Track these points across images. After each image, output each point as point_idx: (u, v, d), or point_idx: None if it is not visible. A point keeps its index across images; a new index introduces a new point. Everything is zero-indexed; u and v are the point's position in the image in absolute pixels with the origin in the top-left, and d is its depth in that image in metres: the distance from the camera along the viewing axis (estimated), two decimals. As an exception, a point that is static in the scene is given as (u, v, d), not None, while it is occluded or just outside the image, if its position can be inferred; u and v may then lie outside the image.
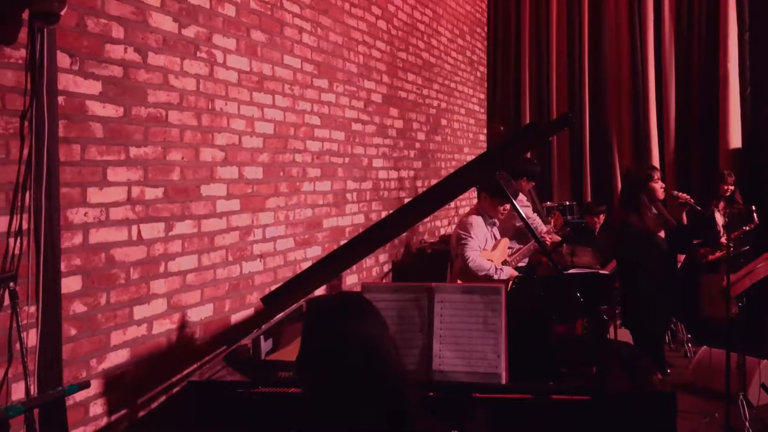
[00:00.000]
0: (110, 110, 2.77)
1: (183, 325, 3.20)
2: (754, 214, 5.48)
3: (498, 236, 4.41)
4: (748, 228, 5.46)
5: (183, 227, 3.18)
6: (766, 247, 4.85)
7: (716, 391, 4.57)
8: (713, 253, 5.62)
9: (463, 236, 4.13)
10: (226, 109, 3.46)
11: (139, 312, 2.95)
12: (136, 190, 2.91)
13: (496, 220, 4.35)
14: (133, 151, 2.89)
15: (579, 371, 2.41)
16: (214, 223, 3.39)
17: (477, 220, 4.21)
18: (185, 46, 3.18)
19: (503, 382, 2.21)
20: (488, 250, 4.23)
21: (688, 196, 4.62)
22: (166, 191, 3.08)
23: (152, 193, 3.00)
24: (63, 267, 2.55)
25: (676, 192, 4.68)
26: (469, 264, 4.03)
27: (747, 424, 3.94)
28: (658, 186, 4.28)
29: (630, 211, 4.15)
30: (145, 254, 2.97)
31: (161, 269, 3.06)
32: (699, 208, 4.75)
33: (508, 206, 4.26)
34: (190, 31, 3.21)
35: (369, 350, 1.37)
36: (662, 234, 4.49)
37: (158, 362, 3.04)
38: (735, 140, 6.70)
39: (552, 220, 4.71)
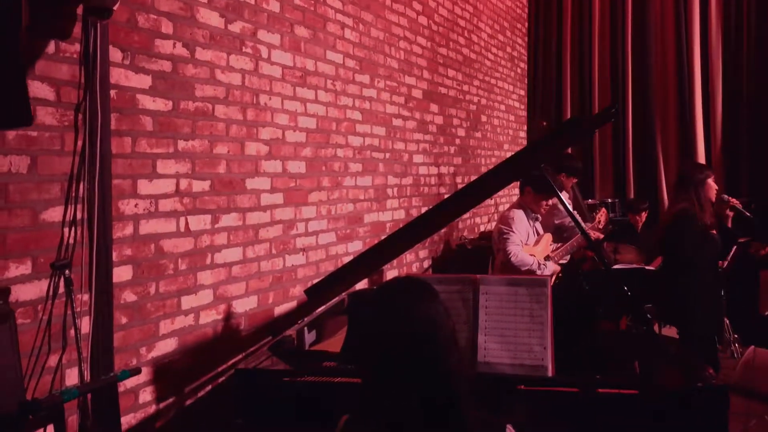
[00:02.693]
0: (160, 104, 2.83)
1: (228, 316, 3.26)
2: None
3: (541, 231, 4.37)
4: None
5: (229, 220, 3.23)
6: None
7: (765, 392, 4.45)
8: (765, 248, 5.50)
9: (505, 231, 4.10)
10: (270, 103, 3.50)
11: (187, 302, 3.01)
12: (184, 183, 2.97)
13: (538, 215, 4.30)
14: (181, 145, 2.95)
15: (626, 366, 2.37)
16: (258, 216, 3.43)
17: (519, 215, 4.18)
18: (231, 42, 3.23)
19: (549, 374, 2.18)
20: (530, 245, 4.19)
21: (737, 201, 4.56)
22: (213, 184, 3.13)
23: (199, 185, 3.05)
24: (114, 257, 2.62)
25: (726, 196, 4.59)
26: (512, 259, 4.00)
27: (798, 425, 3.82)
28: (713, 187, 4.22)
29: (689, 203, 4.07)
30: (192, 245, 3.02)
31: (208, 261, 3.12)
32: (748, 214, 4.66)
33: (550, 201, 4.22)
34: (236, 27, 3.26)
35: (435, 332, 1.36)
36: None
37: (204, 352, 3.10)
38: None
39: (597, 217, 4.64)
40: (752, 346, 5.10)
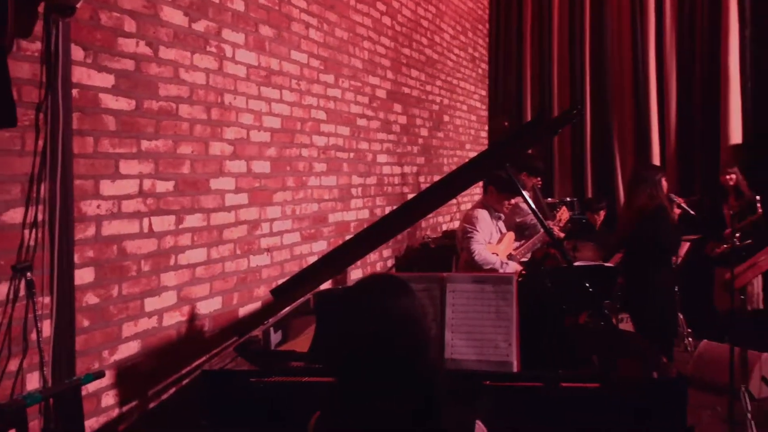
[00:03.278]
0: (122, 103, 2.79)
1: (192, 317, 3.23)
2: (758, 205, 5.56)
3: (503, 230, 4.44)
4: (753, 219, 5.56)
5: (193, 220, 3.21)
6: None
7: (717, 385, 4.61)
8: (719, 246, 5.71)
9: (469, 230, 4.16)
10: (234, 103, 3.49)
11: (150, 304, 2.97)
12: (147, 183, 2.93)
13: (501, 214, 4.37)
14: (145, 144, 2.92)
15: (589, 360, 2.44)
16: (223, 216, 3.41)
17: (483, 214, 4.24)
18: (195, 40, 3.21)
19: (515, 370, 2.23)
20: (494, 244, 4.26)
21: (682, 200, 4.79)
22: (177, 184, 3.10)
23: (163, 186, 3.02)
24: (76, 258, 2.57)
25: (672, 195, 4.79)
26: (475, 257, 4.06)
27: (749, 415, 3.97)
28: (665, 186, 4.39)
29: (656, 200, 4.22)
30: (156, 247, 2.99)
31: (171, 262, 3.09)
32: (692, 212, 4.86)
33: (513, 200, 4.29)
34: (200, 26, 3.23)
35: (411, 329, 1.37)
36: None
37: (168, 354, 3.07)
38: (736, 135, 6.74)
39: (558, 215, 4.74)
40: (705, 340, 5.29)
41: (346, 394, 1.39)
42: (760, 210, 5.60)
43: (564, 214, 4.73)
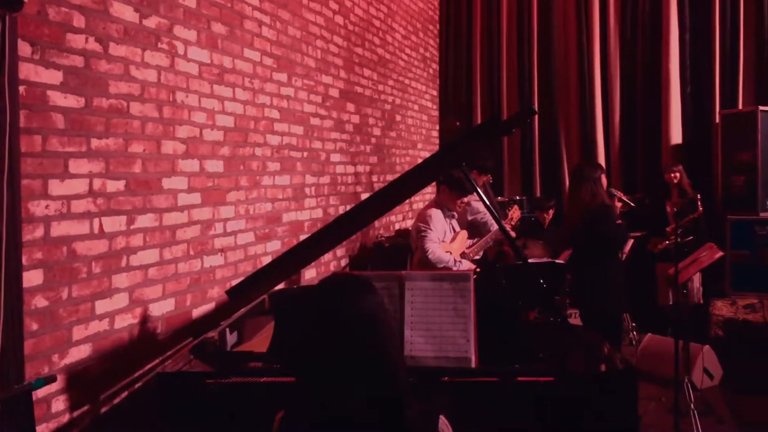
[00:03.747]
0: (71, 101, 2.72)
1: (145, 319, 3.17)
2: (699, 203, 5.80)
3: (457, 228, 4.49)
4: (693, 216, 5.79)
5: (145, 221, 3.14)
6: (710, 236, 5.15)
7: (661, 377, 4.79)
8: (662, 242, 5.92)
9: (423, 228, 4.20)
10: (187, 101, 3.43)
11: (101, 306, 2.90)
12: (97, 183, 2.86)
13: (455, 213, 4.43)
14: (95, 143, 2.84)
15: (543, 355, 2.50)
16: (175, 216, 3.36)
17: (436, 213, 4.29)
18: (146, 37, 3.14)
19: (473, 365, 2.28)
20: (447, 242, 4.31)
21: (622, 194, 4.97)
22: (128, 184, 3.04)
23: (114, 185, 2.95)
24: (24, 260, 2.49)
25: (613, 189, 4.95)
26: (429, 256, 4.10)
27: (692, 405, 4.13)
28: (605, 183, 4.52)
29: (599, 196, 4.33)
30: (107, 248, 2.92)
31: (123, 263, 3.02)
32: (633, 204, 5.04)
33: (465, 199, 4.35)
34: (151, 22, 3.17)
35: (378, 328, 1.38)
36: None
37: (120, 357, 3.00)
38: (676, 136, 7.01)
39: (510, 214, 4.83)
40: (649, 334, 5.48)
41: (313, 394, 1.38)
42: (701, 208, 5.84)
43: (516, 212, 4.82)
